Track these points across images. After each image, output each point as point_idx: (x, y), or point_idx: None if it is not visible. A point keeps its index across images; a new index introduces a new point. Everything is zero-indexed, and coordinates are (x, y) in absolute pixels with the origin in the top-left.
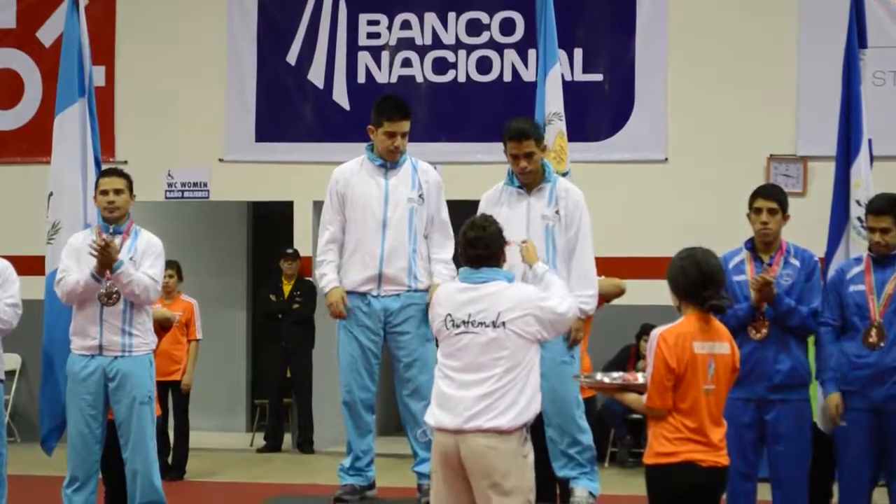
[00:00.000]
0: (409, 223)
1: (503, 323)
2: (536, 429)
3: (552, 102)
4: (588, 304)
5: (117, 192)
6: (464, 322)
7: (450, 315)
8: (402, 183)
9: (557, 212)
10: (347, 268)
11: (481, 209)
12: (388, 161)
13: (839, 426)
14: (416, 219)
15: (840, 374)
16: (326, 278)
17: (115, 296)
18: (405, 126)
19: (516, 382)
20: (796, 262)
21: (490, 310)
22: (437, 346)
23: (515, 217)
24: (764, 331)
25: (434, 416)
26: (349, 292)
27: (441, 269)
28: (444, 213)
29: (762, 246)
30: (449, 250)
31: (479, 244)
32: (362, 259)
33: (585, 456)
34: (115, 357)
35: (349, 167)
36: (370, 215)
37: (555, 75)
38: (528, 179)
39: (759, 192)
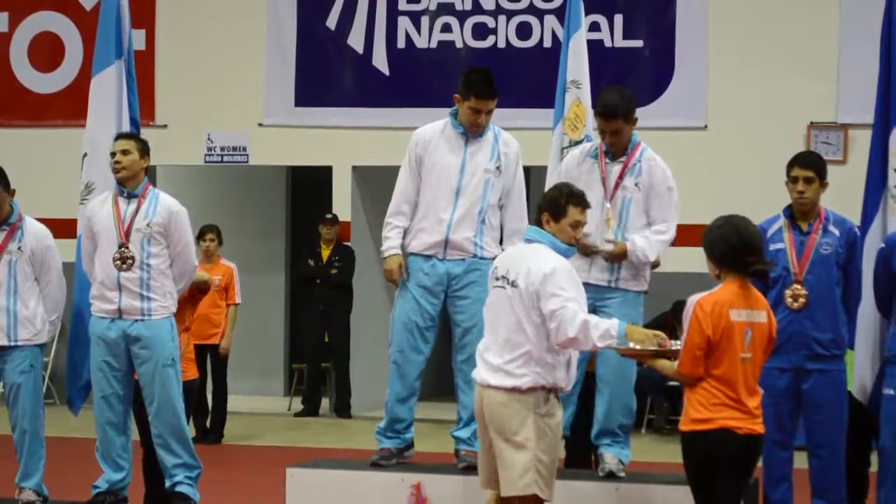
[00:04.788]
0: (483, 194)
1: (513, 283)
2: (582, 395)
3: (572, 70)
4: None
5: (124, 152)
6: (498, 277)
7: (496, 268)
8: (481, 153)
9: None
10: (416, 230)
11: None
12: (471, 133)
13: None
14: (490, 191)
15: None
16: (388, 243)
17: (129, 261)
18: (491, 104)
19: (527, 345)
20: (835, 231)
21: (513, 268)
22: None
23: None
24: (802, 300)
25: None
26: (415, 254)
27: (515, 241)
28: (521, 185)
29: (800, 214)
30: (524, 221)
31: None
32: (431, 224)
33: (626, 424)
34: (135, 321)
35: (430, 130)
36: (444, 182)
37: (577, 42)
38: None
39: (796, 161)
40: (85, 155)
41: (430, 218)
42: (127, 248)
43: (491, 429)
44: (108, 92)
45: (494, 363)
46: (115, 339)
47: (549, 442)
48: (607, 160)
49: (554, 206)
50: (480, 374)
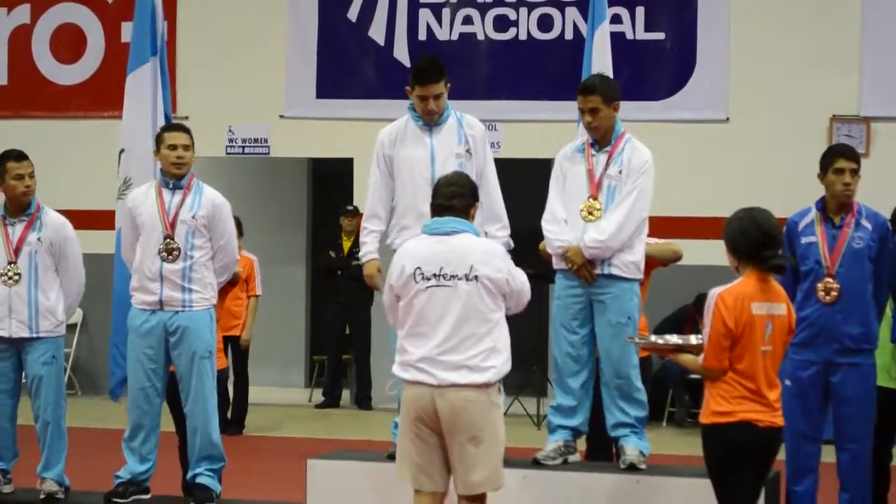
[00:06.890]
0: None
1: (476, 276)
2: (594, 388)
3: (598, 62)
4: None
5: (185, 147)
6: (434, 275)
7: (419, 268)
8: (447, 139)
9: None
10: (400, 228)
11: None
12: (428, 122)
13: None
14: None
15: None
16: (365, 248)
17: (175, 252)
18: (435, 89)
19: (489, 336)
20: (868, 225)
21: (462, 262)
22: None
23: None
24: (834, 293)
25: (408, 370)
26: None
27: (491, 224)
28: (491, 165)
29: (834, 207)
30: (498, 202)
31: (449, 189)
32: (412, 220)
33: (639, 416)
34: (176, 312)
35: (393, 129)
36: (419, 175)
37: (602, 34)
38: (597, 135)
39: (840, 154)
40: (122, 151)
41: (410, 214)
42: (172, 239)
43: (454, 430)
44: (143, 89)
45: (453, 361)
46: (153, 331)
47: (504, 431)
48: (594, 152)
49: (477, 194)
50: (436, 375)
